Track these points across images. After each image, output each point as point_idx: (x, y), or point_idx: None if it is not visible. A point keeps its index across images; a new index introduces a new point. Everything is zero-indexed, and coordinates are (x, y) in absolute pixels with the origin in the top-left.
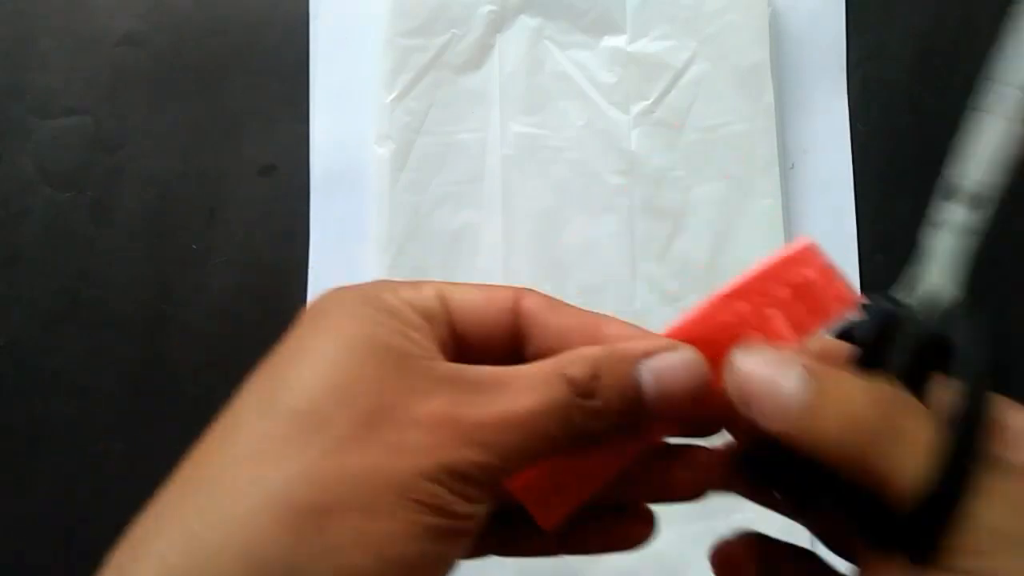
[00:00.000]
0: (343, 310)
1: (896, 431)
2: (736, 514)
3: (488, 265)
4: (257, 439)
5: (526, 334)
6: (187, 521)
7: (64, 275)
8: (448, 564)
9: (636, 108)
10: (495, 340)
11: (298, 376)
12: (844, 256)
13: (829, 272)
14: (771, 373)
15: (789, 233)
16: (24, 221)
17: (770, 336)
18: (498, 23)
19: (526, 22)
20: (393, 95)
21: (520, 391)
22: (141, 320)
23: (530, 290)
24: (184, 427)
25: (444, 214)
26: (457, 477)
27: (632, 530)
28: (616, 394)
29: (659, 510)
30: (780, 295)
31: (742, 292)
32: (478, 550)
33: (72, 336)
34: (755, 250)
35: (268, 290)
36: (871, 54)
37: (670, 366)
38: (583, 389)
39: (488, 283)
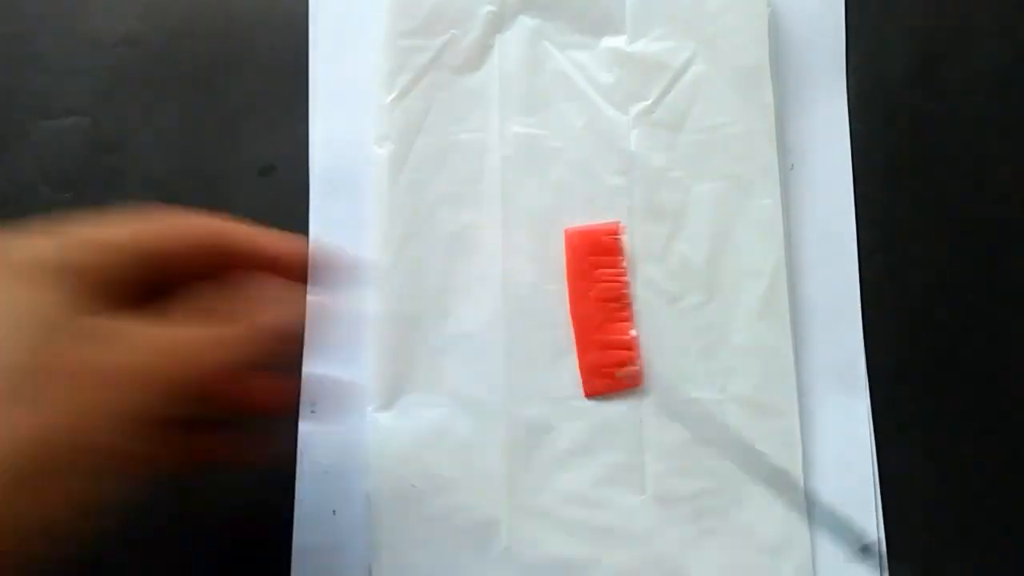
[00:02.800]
0: None
1: None
2: (736, 514)
3: (487, 266)
4: None
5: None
6: None
7: None
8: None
9: (635, 108)
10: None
11: None
12: (844, 256)
13: None
14: None
15: (789, 233)
16: (24, 222)
17: None
18: (497, 23)
19: (525, 22)
20: (392, 95)
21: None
22: None
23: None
24: None
25: (444, 215)
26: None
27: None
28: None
29: (659, 512)
30: None
31: None
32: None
33: None
34: (754, 250)
35: None
36: (871, 54)
37: None
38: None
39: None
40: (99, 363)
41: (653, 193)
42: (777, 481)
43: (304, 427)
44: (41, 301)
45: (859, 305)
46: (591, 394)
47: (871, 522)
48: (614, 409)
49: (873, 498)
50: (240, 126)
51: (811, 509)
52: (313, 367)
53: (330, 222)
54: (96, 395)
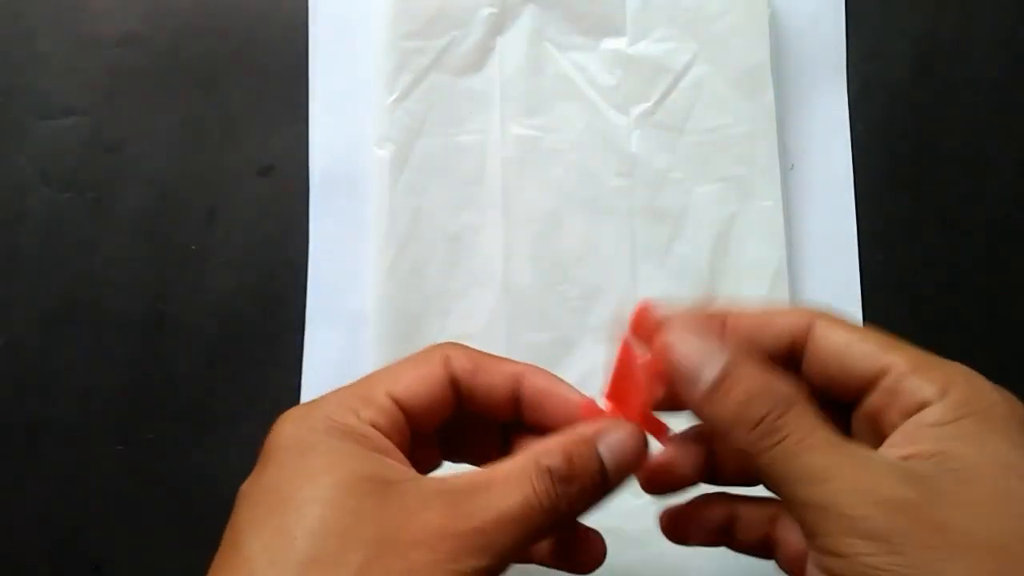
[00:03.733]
0: (320, 449)
1: (777, 430)
2: None
3: (488, 267)
4: None
5: (458, 393)
6: None
7: (63, 275)
8: None
9: (636, 110)
10: (440, 408)
11: (299, 524)
12: (844, 256)
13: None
14: (697, 359)
15: (789, 234)
16: (23, 222)
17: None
18: (498, 25)
19: (526, 24)
20: (393, 97)
21: (506, 490)
22: (141, 320)
23: (453, 347)
24: (184, 427)
25: (444, 216)
26: None
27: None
28: (588, 475)
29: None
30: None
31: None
32: None
33: (72, 336)
34: (755, 251)
35: (268, 290)
36: (871, 54)
37: (620, 441)
38: (563, 475)
39: (419, 355)
40: (443, 525)
41: (654, 195)
42: None
43: None
44: (361, 462)
45: (859, 305)
46: None
47: None
48: None
49: None
50: (240, 126)
51: None
52: (313, 368)
53: (330, 223)
54: (435, 558)
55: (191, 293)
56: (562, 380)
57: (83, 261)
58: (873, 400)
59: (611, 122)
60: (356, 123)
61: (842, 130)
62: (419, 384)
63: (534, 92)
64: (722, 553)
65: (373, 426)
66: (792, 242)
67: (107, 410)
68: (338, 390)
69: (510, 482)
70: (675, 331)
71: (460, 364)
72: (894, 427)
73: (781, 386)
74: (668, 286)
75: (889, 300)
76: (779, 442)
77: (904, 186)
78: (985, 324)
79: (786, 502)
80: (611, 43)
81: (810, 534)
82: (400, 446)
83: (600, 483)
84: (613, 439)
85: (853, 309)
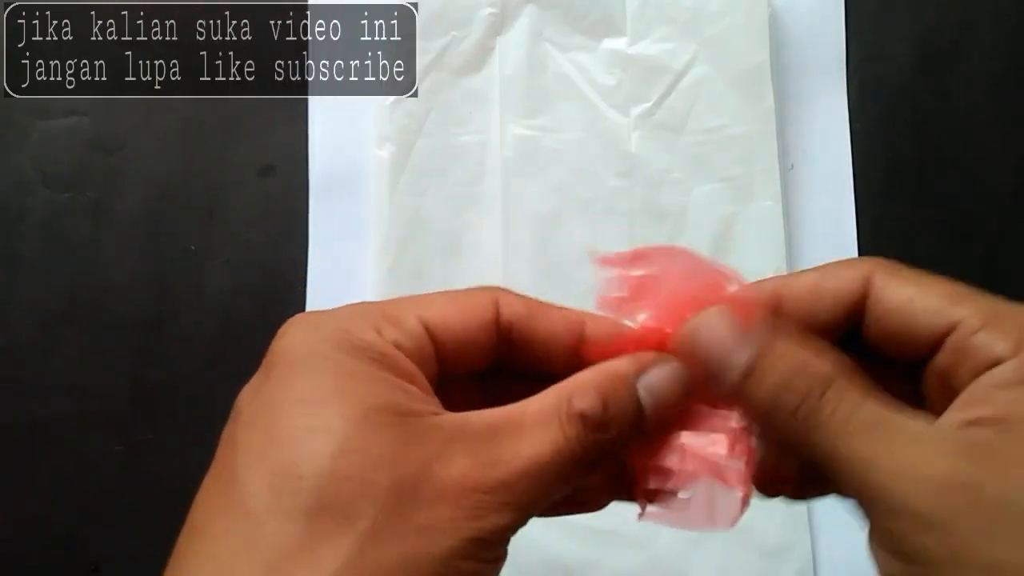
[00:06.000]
0: (329, 367)
1: (818, 414)
2: None
3: (488, 267)
4: (278, 545)
5: (510, 341)
6: None
7: (63, 275)
8: None
9: (636, 110)
10: (479, 352)
11: (305, 462)
12: (844, 256)
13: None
14: (726, 343)
15: (789, 234)
16: (23, 222)
17: None
18: (498, 25)
19: (526, 24)
20: (393, 97)
21: (535, 435)
22: (140, 320)
23: (505, 292)
24: (184, 427)
25: (444, 216)
26: (486, 545)
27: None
28: (625, 419)
29: None
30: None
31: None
32: None
33: (71, 336)
34: (755, 252)
35: (267, 291)
36: (871, 54)
37: (660, 379)
38: (597, 422)
39: (464, 290)
40: (468, 476)
41: (654, 195)
42: None
43: None
44: (377, 388)
45: None
46: None
47: None
48: None
49: None
50: (239, 126)
51: (811, 512)
52: None
53: (329, 223)
54: (460, 515)
55: (191, 293)
56: (626, 327)
57: (82, 261)
58: (942, 359)
59: (611, 122)
60: (356, 123)
61: (842, 130)
62: (458, 317)
63: (534, 92)
64: (722, 553)
65: (399, 350)
66: (792, 242)
67: (107, 410)
68: (358, 303)
69: (539, 426)
70: (701, 315)
71: (513, 309)
72: (964, 387)
73: (820, 362)
74: None
75: None
76: (820, 427)
77: (904, 186)
78: None
79: (835, 484)
80: (611, 43)
81: (864, 515)
82: (431, 379)
83: (636, 427)
84: (654, 378)
85: None
